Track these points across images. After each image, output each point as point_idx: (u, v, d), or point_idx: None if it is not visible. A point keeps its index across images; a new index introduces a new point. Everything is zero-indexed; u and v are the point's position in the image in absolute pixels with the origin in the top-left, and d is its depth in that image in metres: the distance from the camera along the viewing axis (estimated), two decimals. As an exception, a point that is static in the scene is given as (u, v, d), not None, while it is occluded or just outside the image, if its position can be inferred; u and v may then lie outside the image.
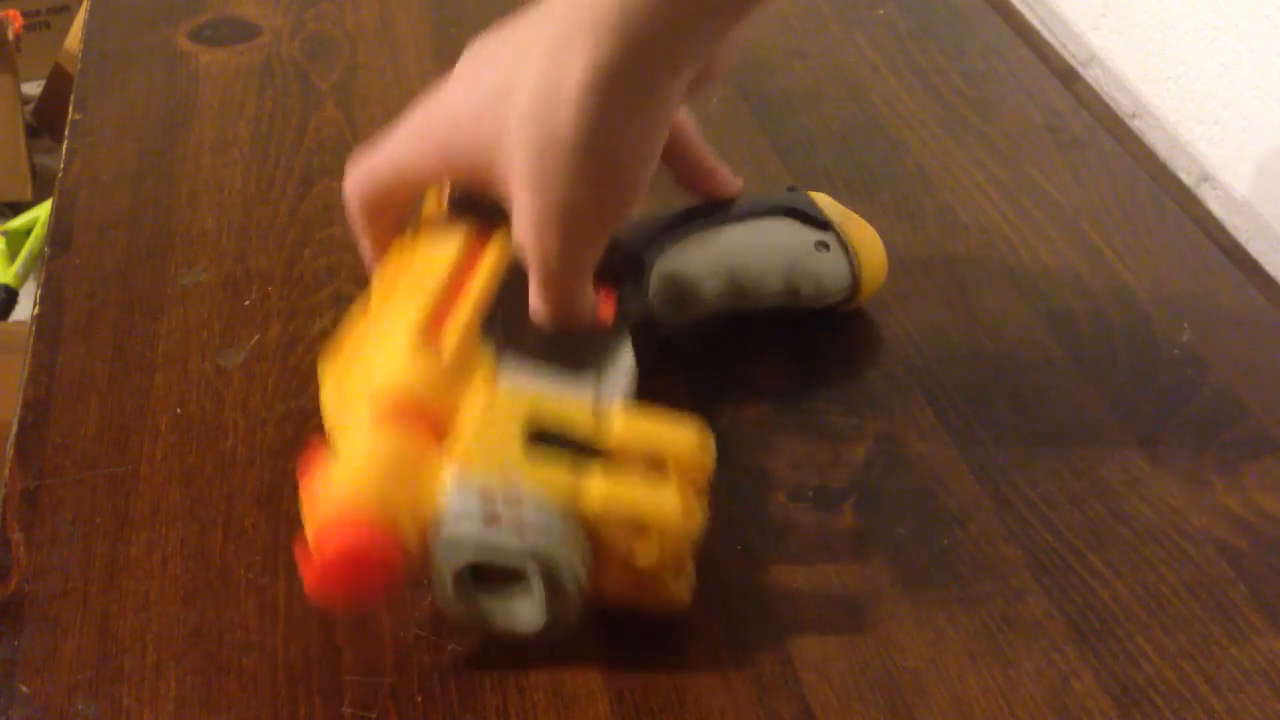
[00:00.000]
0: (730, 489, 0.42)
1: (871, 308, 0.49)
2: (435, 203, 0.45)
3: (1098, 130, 0.60)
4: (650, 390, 0.40)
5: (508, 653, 0.37)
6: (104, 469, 0.43)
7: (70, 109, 0.62)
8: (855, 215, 0.48)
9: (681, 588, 0.37)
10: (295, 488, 0.42)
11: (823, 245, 0.46)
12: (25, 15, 1.92)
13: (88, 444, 0.44)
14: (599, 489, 0.34)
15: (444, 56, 0.64)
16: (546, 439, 0.36)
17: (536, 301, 0.39)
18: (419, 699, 0.36)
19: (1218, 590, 0.39)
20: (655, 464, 0.36)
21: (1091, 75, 0.72)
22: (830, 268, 0.46)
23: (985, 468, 0.43)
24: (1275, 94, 0.57)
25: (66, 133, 0.60)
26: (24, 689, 0.37)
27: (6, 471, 0.43)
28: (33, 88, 1.93)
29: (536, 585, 0.34)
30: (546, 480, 0.35)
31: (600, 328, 0.41)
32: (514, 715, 0.36)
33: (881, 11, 0.69)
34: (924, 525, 0.41)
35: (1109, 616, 0.38)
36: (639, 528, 0.35)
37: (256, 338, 0.48)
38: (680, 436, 0.36)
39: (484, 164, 0.38)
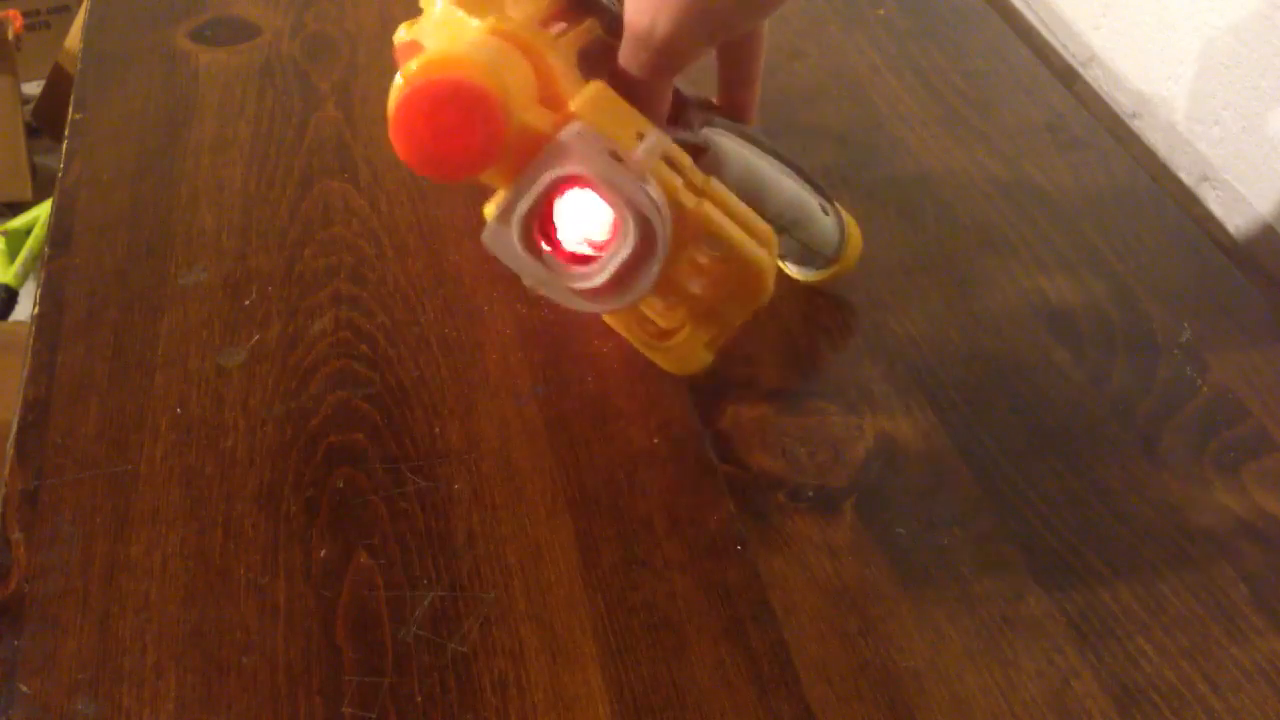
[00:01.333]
0: (730, 489, 0.42)
1: (872, 307, 0.49)
2: None
3: (1098, 130, 0.60)
4: (650, 390, 0.40)
5: (508, 653, 0.37)
6: (104, 469, 0.43)
7: (70, 109, 0.62)
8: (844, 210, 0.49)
9: (706, 354, 0.37)
10: (295, 488, 0.42)
11: (824, 209, 0.47)
12: (25, 15, 1.92)
13: (88, 444, 0.44)
14: (706, 206, 0.35)
15: (444, 56, 0.64)
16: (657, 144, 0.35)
17: (623, 59, 0.38)
18: (419, 699, 0.36)
19: (1218, 590, 0.39)
20: (741, 223, 0.36)
21: (1091, 75, 0.72)
22: (827, 227, 0.47)
23: (985, 468, 0.43)
24: (1275, 94, 0.57)
25: (66, 133, 0.60)
26: (24, 689, 0.37)
27: (6, 471, 0.43)
28: (33, 88, 1.93)
29: (623, 244, 0.33)
30: (660, 173, 0.34)
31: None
32: (514, 715, 0.36)
33: (881, 11, 0.69)
34: (924, 525, 0.41)
35: (1109, 616, 0.38)
36: (727, 258, 0.35)
37: (256, 338, 0.48)
38: (761, 222, 0.37)
39: None
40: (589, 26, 0.39)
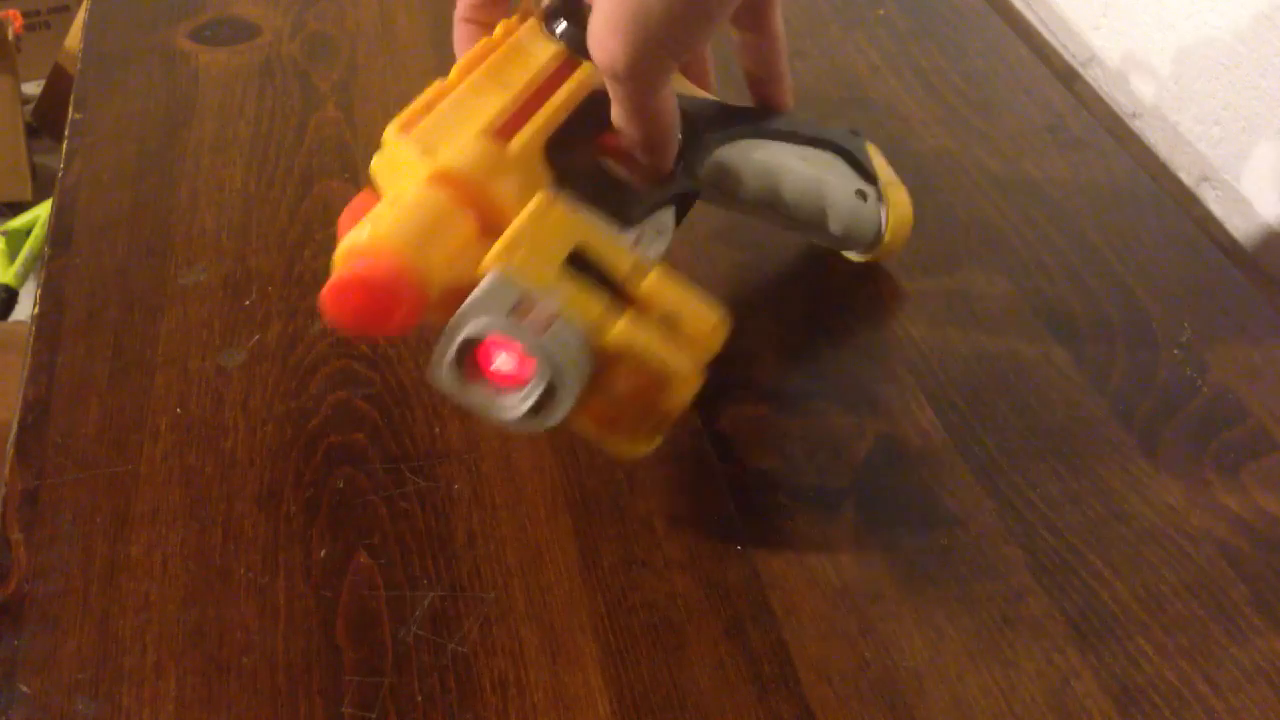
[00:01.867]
0: (730, 489, 0.42)
1: (872, 307, 0.49)
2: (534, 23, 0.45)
3: (1098, 130, 0.60)
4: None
5: (508, 653, 0.37)
6: (104, 469, 0.43)
7: (70, 109, 0.62)
8: (898, 180, 0.49)
9: (647, 444, 0.38)
10: (295, 488, 0.42)
11: (861, 194, 0.47)
12: (25, 15, 1.92)
13: (88, 444, 0.44)
14: (623, 327, 0.36)
15: (444, 56, 0.64)
16: (585, 269, 0.37)
17: (615, 109, 0.39)
18: (419, 699, 0.36)
19: (1218, 590, 0.39)
20: (670, 326, 0.37)
21: (1091, 75, 0.72)
22: (861, 216, 0.48)
23: (985, 468, 0.43)
24: (1275, 94, 0.57)
25: (66, 133, 0.60)
26: (24, 689, 0.37)
27: (6, 471, 0.43)
28: (33, 88, 1.93)
29: (535, 385, 0.35)
30: (576, 301, 0.36)
31: (665, 169, 0.42)
32: (514, 715, 0.36)
33: (881, 11, 0.69)
34: (924, 525, 0.41)
35: (1109, 616, 0.38)
36: (644, 376, 0.36)
37: (256, 338, 0.48)
38: (703, 311, 0.37)
39: None
40: (581, 80, 0.42)
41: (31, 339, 0.49)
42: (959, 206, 0.55)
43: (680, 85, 0.46)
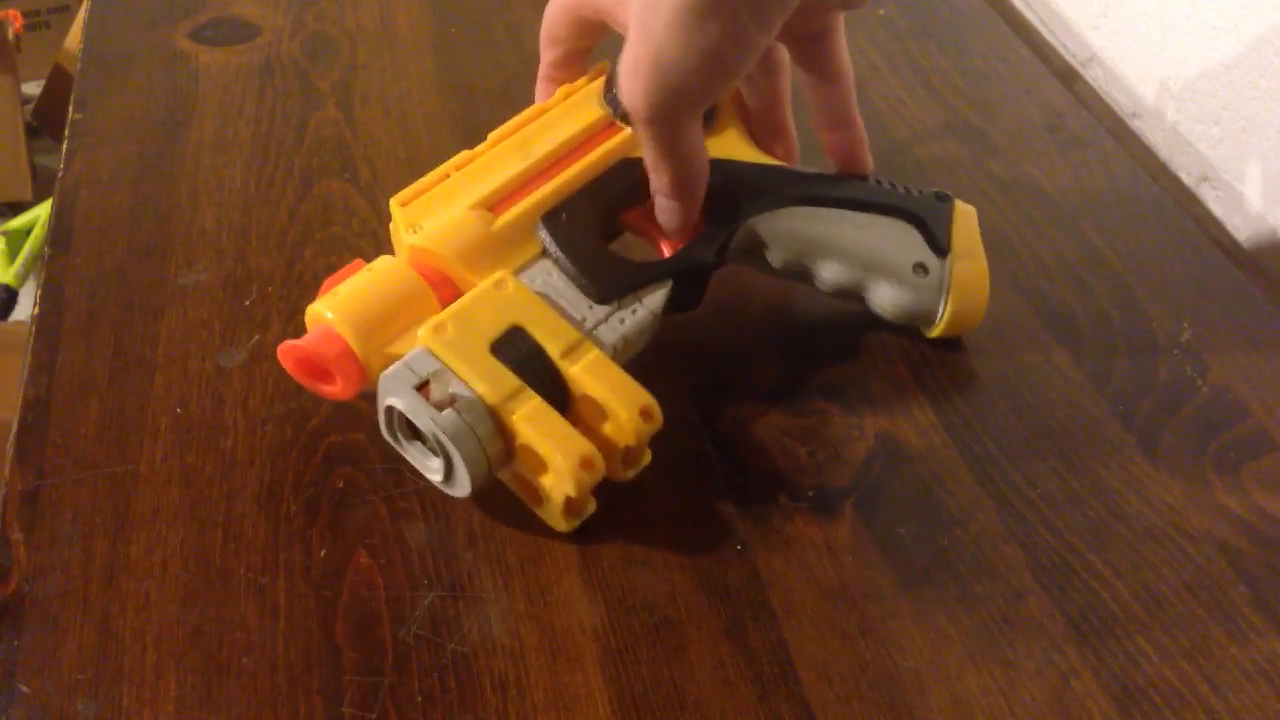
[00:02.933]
0: (730, 489, 0.42)
1: (871, 308, 0.49)
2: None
3: (1098, 130, 0.60)
4: (650, 390, 0.40)
5: (508, 653, 0.37)
6: (104, 469, 0.43)
7: (70, 109, 0.62)
8: (978, 252, 0.46)
9: (565, 523, 0.40)
10: (295, 488, 0.42)
11: (921, 269, 0.45)
12: (25, 15, 1.92)
13: (88, 444, 0.44)
14: (521, 416, 0.38)
15: (444, 56, 0.64)
16: (521, 342, 0.39)
17: (644, 152, 0.41)
18: (419, 699, 0.36)
19: (1218, 590, 0.39)
20: (597, 413, 0.39)
21: (1091, 75, 0.72)
22: (912, 295, 0.45)
23: (985, 468, 0.43)
24: (1275, 94, 0.57)
25: (66, 133, 0.60)
26: (24, 689, 0.37)
27: (6, 471, 0.43)
28: (33, 88, 1.93)
29: (439, 457, 0.39)
30: (486, 382, 0.38)
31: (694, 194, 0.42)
32: (514, 715, 0.36)
33: (882, 11, 0.69)
34: (924, 525, 0.41)
35: (1109, 616, 0.38)
36: (536, 461, 0.38)
37: (256, 338, 0.48)
38: (622, 406, 0.39)
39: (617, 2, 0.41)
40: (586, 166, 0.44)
41: (31, 339, 0.49)
42: (959, 206, 0.55)
43: (735, 149, 0.46)
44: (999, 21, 0.69)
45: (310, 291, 0.50)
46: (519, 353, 0.39)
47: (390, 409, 0.39)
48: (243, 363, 0.47)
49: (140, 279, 0.51)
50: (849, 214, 0.45)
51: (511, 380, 0.38)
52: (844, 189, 0.46)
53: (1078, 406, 0.45)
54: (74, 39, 1.80)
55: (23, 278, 1.71)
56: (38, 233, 1.74)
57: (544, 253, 0.42)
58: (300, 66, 0.64)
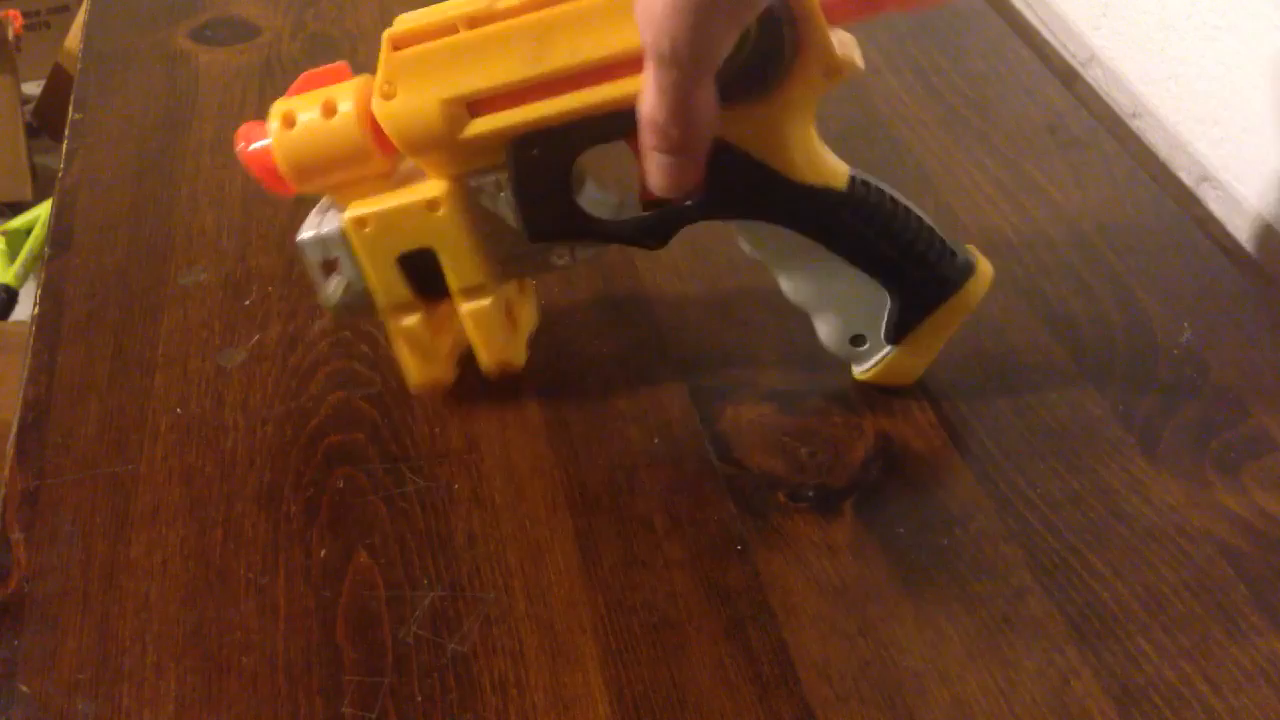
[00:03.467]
0: (730, 489, 0.42)
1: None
2: None
3: (1098, 130, 0.60)
4: (652, 390, 0.40)
5: (508, 653, 0.37)
6: (104, 469, 0.43)
7: (70, 109, 0.62)
8: (935, 350, 0.44)
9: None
10: (295, 488, 0.42)
11: (860, 340, 0.44)
12: (25, 15, 1.92)
13: (88, 444, 0.44)
14: (397, 327, 0.43)
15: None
16: (427, 265, 0.42)
17: (651, 103, 0.35)
18: (419, 699, 0.36)
19: (1218, 590, 0.39)
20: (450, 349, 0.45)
21: (1091, 75, 0.72)
22: (839, 349, 0.44)
23: (985, 468, 0.43)
24: (1275, 94, 0.57)
25: (66, 133, 0.60)
26: (24, 689, 0.37)
27: (6, 471, 0.43)
28: (33, 88, 1.93)
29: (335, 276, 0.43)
30: (382, 287, 0.42)
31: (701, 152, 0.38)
32: (514, 715, 0.36)
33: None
34: (924, 525, 0.41)
35: (1109, 616, 0.38)
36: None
37: (256, 338, 0.48)
38: (485, 355, 0.44)
39: None
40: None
41: (31, 339, 0.49)
42: (959, 206, 0.55)
43: (754, 139, 0.40)
44: (999, 21, 0.69)
45: (311, 291, 0.50)
46: (423, 273, 0.42)
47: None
48: (243, 363, 0.47)
49: (140, 279, 0.51)
50: (825, 253, 0.42)
51: (403, 292, 0.42)
52: (837, 228, 0.42)
53: (1078, 406, 0.45)
54: (74, 39, 1.80)
55: (23, 278, 1.71)
56: (38, 233, 1.73)
57: (499, 169, 0.40)
58: (300, 66, 0.64)
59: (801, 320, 0.48)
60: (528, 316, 0.47)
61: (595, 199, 0.43)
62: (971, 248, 0.44)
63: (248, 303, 0.50)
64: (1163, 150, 0.66)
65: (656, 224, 0.42)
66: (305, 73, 0.42)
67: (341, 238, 0.42)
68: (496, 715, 0.36)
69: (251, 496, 0.42)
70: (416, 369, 0.44)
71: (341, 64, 0.42)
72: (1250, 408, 0.45)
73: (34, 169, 1.85)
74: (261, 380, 0.46)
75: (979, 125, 0.60)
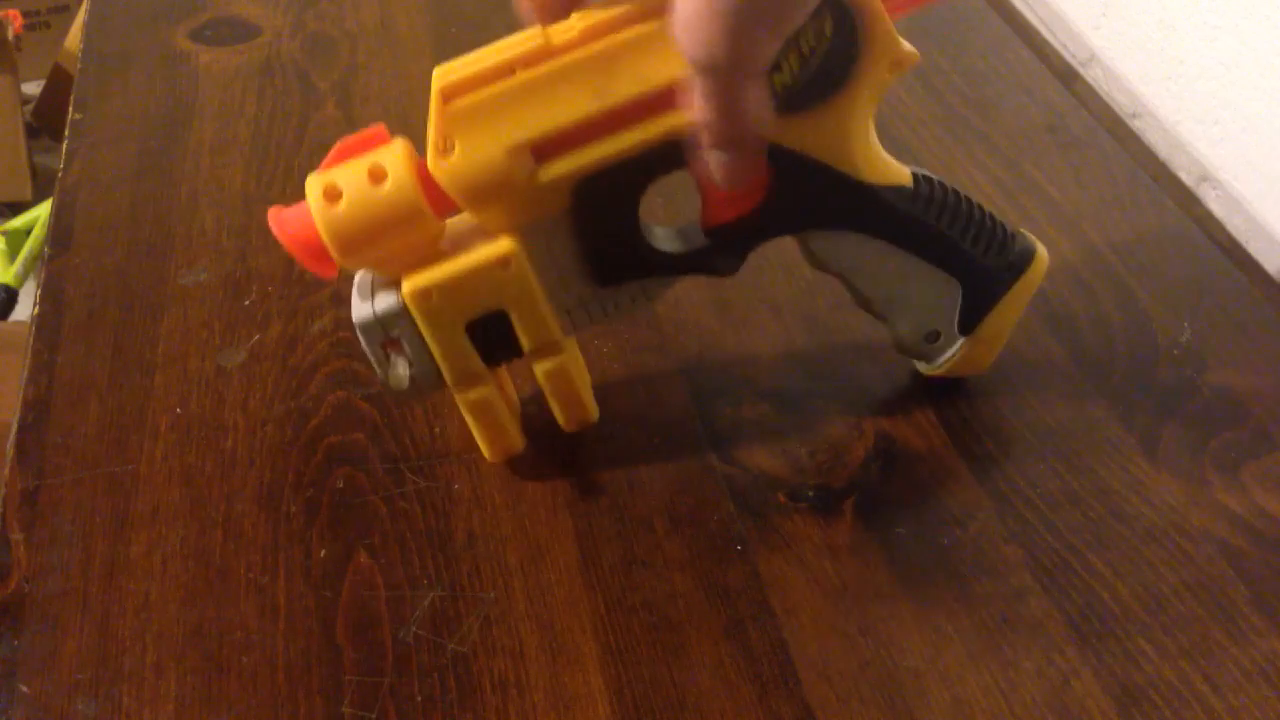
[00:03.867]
0: (730, 489, 0.42)
1: (871, 308, 0.49)
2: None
3: (1098, 130, 0.60)
4: (651, 390, 0.40)
5: (508, 653, 0.37)
6: (104, 469, 0.43)
7: (70, 109, 0.62)
8: (1006, 333, 0.44)
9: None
10: (295, 488, 0.42)
11: (934, 336, 0.44)
12: (25, 15, 1.92)
13: (88, 444, 0.44)
14: (465, 400, 0.41)
15: (444, 56, 0.64)
16: (499, 329, 0.39)
17: (701, 107, 0.35)
18: (419, 699, 0.36)
19: (1218, 590, 0.39)
20: (542, 403, 0.42)
21: (1091, 75, 0.72)
22: (916, 348, 0.44)
23: (985, 468, 0.43)
24: (1275, 94, 0.57)
25: (66, 133, 0.60)
26: (24, 689, 0.37)
27: (6, 471, 0.43)
28: (33, 88, 1.93)
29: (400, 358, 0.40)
30: (449, 361, 0.39)
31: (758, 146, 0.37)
32: (514, 715, 0.36)
33: (881, 11, 0.69)
34: (924, 525, 0.41)
35: (1109, 616, 0.38)
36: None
37: (256, 338, 0.48)
38: (563, 417, 0.42)
39: None
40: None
41: (31, 339, 0.49)
42: (959, 206, 0.55)
43: (820, 145, 0.39)
44: (999, 21, 0.69)
45: (311, 291, 0.50)
46: (493, 338, 0.40)
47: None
48: (243, 363, 0.47)
49: (140, 279, 0.51)
50: (899, 252, 0.42)
51: (474, 363, 0.40)
52: (910, 225, 0.41)
53: (1078, 406, 0.45)
54: (74, 39, 1.80)
55: (23, 278, 1.71)
56: (38, 233, 1.74)
57: (565, 214, 0.38)
58: (300, 66, 0.64)
59: (801, 320, 0.48)
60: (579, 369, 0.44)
61: (658, 234, 0.41)
62: (1024, 230, 0.44)
63: (248, 303, 0.50)
64: (1162, 150, 0.66)
65: (729, 245, 0.41)
66: (340, 141, 0.38)
67: (403, 313, 0.39)
68: (496, 715, 0.36)
69: (251, 496, 0.42)
70: (492, 443, 0.42)
71: (379, 126, 0.38)
72: (1250, 408, 0.45)
73: (34, 169, 1.85)
74: (261, 380, 0.46)
75: (979, 125, 0.60)
